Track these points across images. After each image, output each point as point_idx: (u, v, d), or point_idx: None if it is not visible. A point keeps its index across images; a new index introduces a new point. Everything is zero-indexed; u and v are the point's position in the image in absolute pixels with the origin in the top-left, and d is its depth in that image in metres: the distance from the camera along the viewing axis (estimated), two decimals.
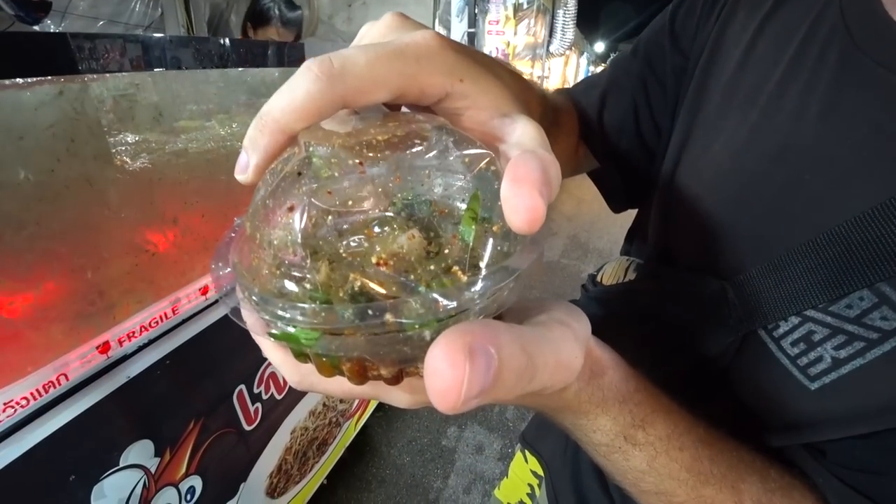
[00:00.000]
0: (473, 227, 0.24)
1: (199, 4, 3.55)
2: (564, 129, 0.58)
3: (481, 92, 0.25)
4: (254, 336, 0.26)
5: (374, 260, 0.23)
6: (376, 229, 0.25)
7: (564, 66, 7.87)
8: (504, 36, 4.16)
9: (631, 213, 0.69)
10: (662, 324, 0.45)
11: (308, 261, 0.23)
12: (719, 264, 0.43)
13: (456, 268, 0.23)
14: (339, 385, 0.25)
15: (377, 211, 0.27)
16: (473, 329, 0.18)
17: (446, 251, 0.24)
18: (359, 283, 0.22)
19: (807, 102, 0.39)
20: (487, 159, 0.25)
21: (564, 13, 5.48)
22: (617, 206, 0.66)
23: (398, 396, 0.26)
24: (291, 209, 0.24)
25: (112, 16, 3.18)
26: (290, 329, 0.22)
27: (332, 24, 2.98)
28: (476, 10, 2.86)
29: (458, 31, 2.71)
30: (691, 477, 0.34)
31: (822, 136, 0.37)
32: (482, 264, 0.23)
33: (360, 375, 0.24)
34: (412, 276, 0.22)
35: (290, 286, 0.23)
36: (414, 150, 0.26)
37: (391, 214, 0.26)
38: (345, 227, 0.27)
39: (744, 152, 0.42)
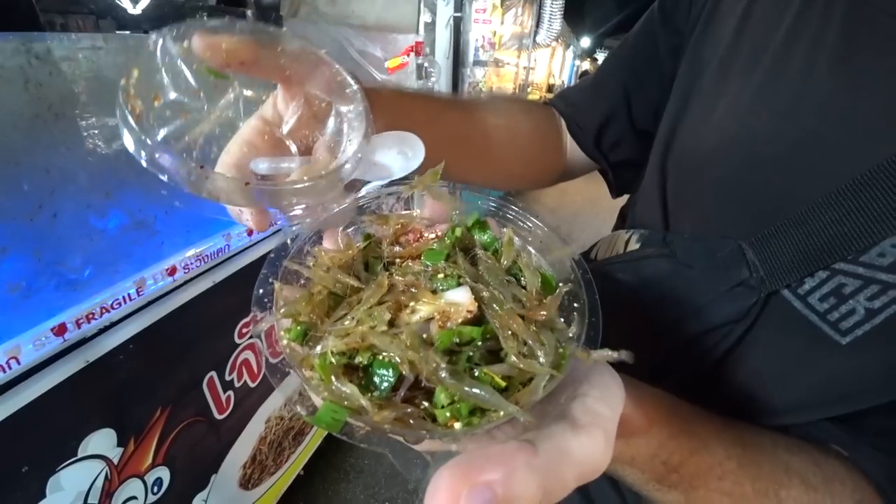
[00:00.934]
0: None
1: None
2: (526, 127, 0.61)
3: None
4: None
5: (419, 313, 0.25)
6: (428, 265, 0.29)
7: (550, 59, 7.86)
8: (490, 24, 4.11)
9: (614, 202, 0.68)
10: (673, 291, 0.44)
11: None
12: (730, 228, 0.42)
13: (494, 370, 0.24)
14: None
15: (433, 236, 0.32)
16: (486, 462, 0.20)
17: (497, 329, 0.25)
18: (399, 358, 0.24)
19: (815, 58, 0.38)
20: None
21: (552, 3, 5.45)
22: (615, 192, 0.67)
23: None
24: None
25: None
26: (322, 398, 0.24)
27: (314, 5, 2.87)
28: None
29: (445, 15, 2.62)
30: (732, 501, 0.34)
31: (836, 88, 0.37)
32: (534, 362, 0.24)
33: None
34: (453, 362, 0.24)
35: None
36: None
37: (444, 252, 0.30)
38: (397, 248, 0.32)
39: (751, 114, 0.41)
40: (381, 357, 0.24)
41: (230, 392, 1.16)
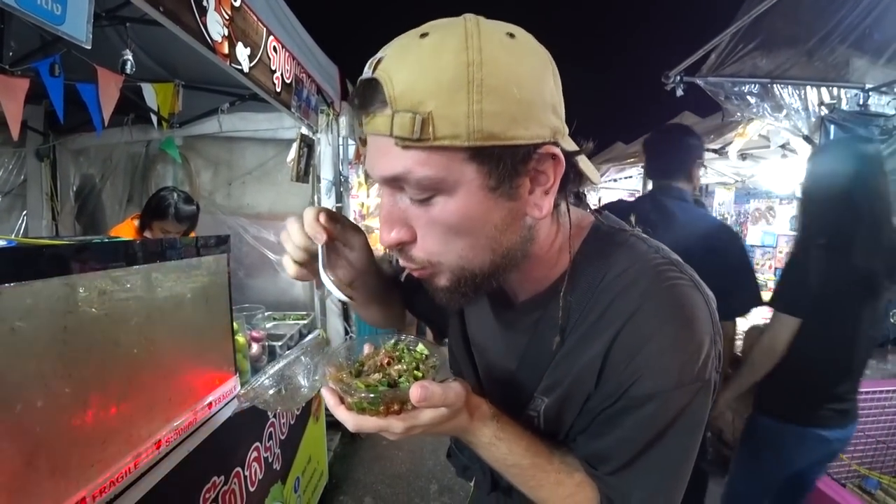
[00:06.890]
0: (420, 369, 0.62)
1: (68, 173, 3.38)
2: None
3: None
4: (331, 409, 0.57)
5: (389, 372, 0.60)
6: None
7: None
8: (358, 199, 4.80)
9: None
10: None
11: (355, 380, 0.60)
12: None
13: (415, 373, 0.59)
14: (370, 423, 0.54)
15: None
16: (422, 383, 0.53)
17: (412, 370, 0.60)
18: (385, 380, 0.58)
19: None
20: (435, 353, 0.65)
21: None
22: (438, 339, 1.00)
23: (396, 426, 0.54)
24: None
25: None
26: (356, 398, 0.56)
27: (211, 199, 3.27)
28: (341, 189, 3.45)
29: (328, 206, 3.11)
30: (528, 454, 0.63)
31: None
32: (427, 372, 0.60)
33: (386, 412, 0.55)
34: (402, 378, 0.59)
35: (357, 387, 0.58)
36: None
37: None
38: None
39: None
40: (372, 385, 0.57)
41: None
